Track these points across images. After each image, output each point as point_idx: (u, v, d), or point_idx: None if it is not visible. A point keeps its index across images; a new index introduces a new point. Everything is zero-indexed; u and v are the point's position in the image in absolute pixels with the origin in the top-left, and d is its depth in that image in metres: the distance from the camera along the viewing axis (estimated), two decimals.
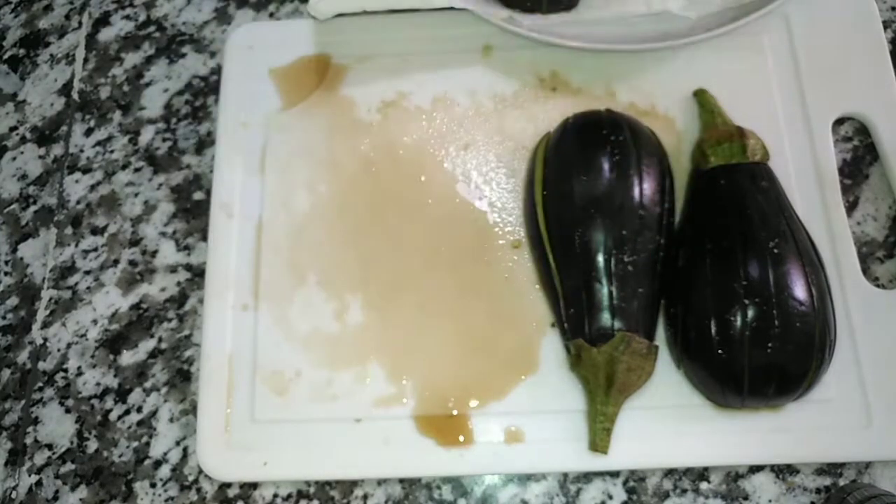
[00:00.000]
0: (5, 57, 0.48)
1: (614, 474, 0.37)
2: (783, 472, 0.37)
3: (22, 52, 0.48)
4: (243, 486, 0.38)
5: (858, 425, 0.36)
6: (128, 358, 0.40)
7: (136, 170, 0.44)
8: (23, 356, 0.41)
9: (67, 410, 0.39)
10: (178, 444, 0.39)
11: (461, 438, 0.36)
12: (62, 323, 0.41)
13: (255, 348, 0.38)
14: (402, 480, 0.37)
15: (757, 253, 0.34)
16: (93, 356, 0.40)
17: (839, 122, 0.42)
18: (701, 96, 0.41)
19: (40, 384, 0.40)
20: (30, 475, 0.39)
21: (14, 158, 0.45)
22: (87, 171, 0.44)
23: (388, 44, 0.44)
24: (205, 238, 0.42)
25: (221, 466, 0.37)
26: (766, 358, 0.33)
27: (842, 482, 0.36)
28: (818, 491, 0.36)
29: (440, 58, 0.44)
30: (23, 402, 0.40)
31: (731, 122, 0.40)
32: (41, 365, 0.40)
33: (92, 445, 0.39)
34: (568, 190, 0.36)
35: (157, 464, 0.38)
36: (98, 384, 0.40)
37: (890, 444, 0.36)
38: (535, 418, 0.37)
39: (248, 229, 0.41)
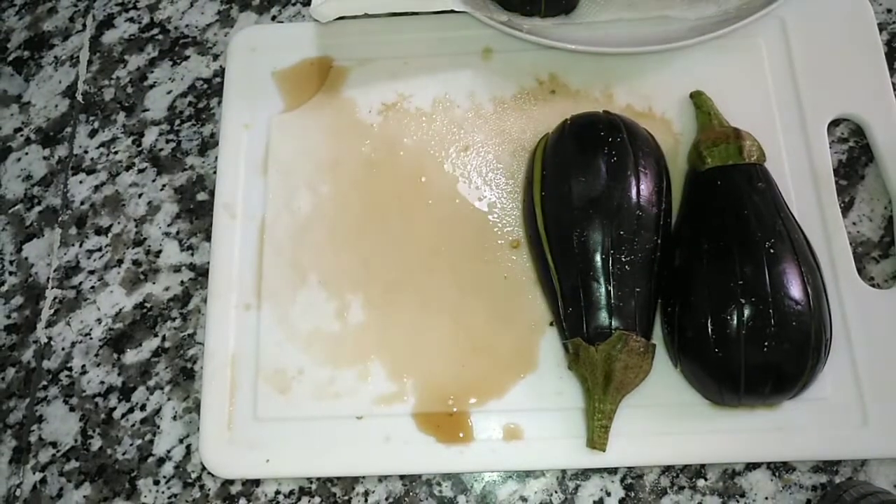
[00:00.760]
0: (10, 59, 0.48)
1: (612, 471, 0.37)
2: (779, 469, 0.37)
3: (26, 54, 0.48)
4: (246, 483, 0.38)
5: (854, 423, 0.36)
6: (131, 357, 0.41)
7: (140, 171, 0.44)
8: (27, 355, 0.41)
9: (71, 409, 0.40)
10: (181, 441, 0.39)
11: (461, 436, 0.37)
12: (66, 322, 0.41)
13: (257, 347, 0.39)
14: (402, 477, 0.38)
15: (753, 253, 0.35)
16: (97, 355, 0.41)
17: (835, 123, 0.43)
18: (698, 98, 0.41)
19: (45, 383, 0.40)
20: (34, 473, 0.39)
21: (19, 159, 0.46)
22: (91, 171, 0.45)
23: (390, 46, 0.45)
24: (208, 238, 0.42)
25: (224, 464, 0.37)
26: (763, 357, 0.33)
27: (837, 480, 0.37)
28: (814, 488, 0.37)
29: (440, 60, 0.44)
30: (27, 400, 0.40)
31: (728, 123, 0.40)
32: (46, 363, 0.41)
33: (96, 443, 0.39)
34: (566, 190, 0.36)
35: (161, 461, 0.39)
36: (102, 382, 0.40)
37: (885, 442, 0.36)
38: (534, 416, 0.37)
39: (251, 229, 0.41)
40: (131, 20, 0.48)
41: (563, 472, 0.37)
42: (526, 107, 0.43)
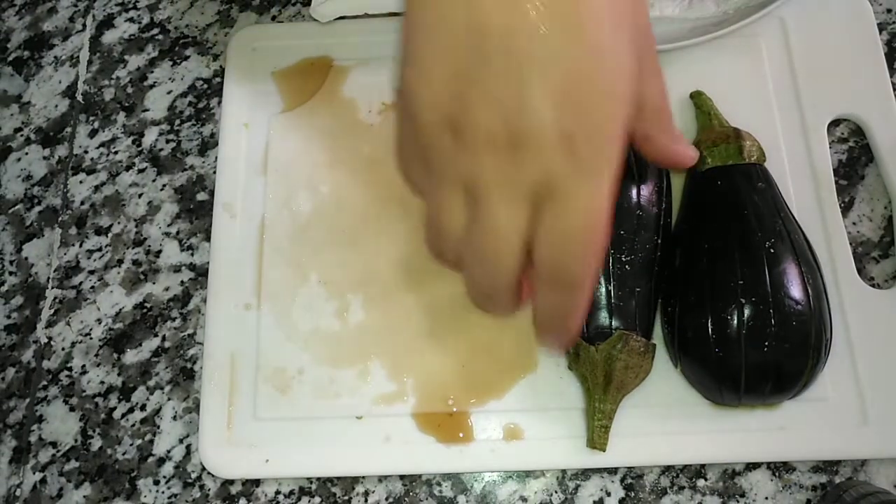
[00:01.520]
0: (10, 59, 0.48)
1: (612, 471, 0.37)
2: (779, 469, 0.37)
3: (26, 54, 0.48)
4: (246, 482, 0.38)
5: (854, 423, 0.36)
6: (131, 357, 0.41)
7: (140, 171, 0.44)
8: (27, 355, 0.41)
9: (71, 408, 0.40)
10: (181, 441, 0.39)
11: (461, 436, 0.37)
12: (66, 322, 0.41)
13: (257, 347, 0.39)
14: (402, 477, 0.38)
15: (753, 253, 0.35)
16: (97, 355, 0.41)
17: (835, 123, 0.43)
18: (697, 98, 0.41)
19: (45, 383, 0.40)
20: (34, 473, 0.39)
21: (19, 159, 0.46)
22: (91, 171, 0.45)
23: (389, 46, 0.44)
24: (208, 238, 0.42)
25: (224, 464, 0.37)
26: (763, 357, 0.33)
27: (837, 480, 0.37)
28: (814, 488, 0.37)
29: None
30: (27, 400, 0.40)
31: (728, 123, 0.40)
32: (45, 364, 0.41)
33: (96, 443, 0.39)
34: None
35: (161, 461, 0.39)
36: (102, 382, 0.40)
37: (885, 442, 0.36)
38: (534, 416, 0.37)
39: (251, 229, 0.41)
40: (131, 20, 0.48)
41: (563, 472, 0.37)
42: None
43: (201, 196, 0.44)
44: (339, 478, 0.38)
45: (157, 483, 0.38)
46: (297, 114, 0.44)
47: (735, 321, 0.34)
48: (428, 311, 0.39)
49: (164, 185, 0.44)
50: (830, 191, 0.40)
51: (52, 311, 0.42)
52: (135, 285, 0.42)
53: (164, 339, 0.41)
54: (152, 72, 0.47)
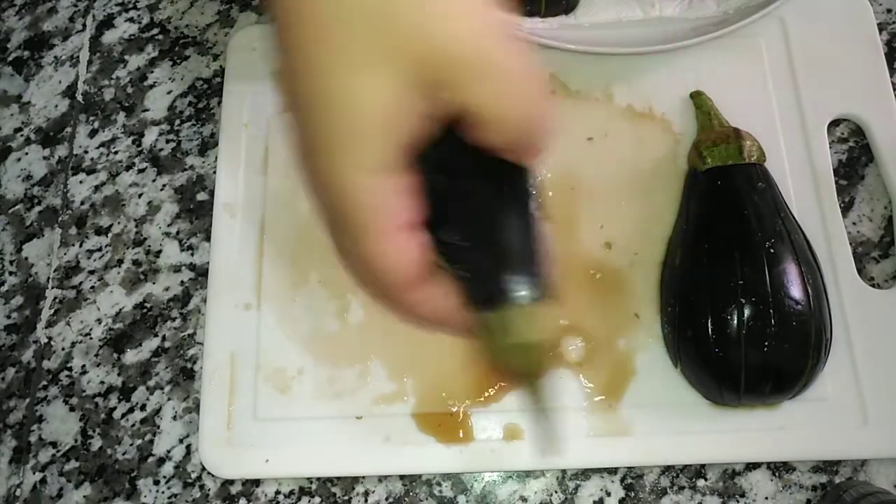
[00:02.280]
0: (10, 59, 0.48)
1: (612, 471, 0.37)
2: (779, 469, 0.37)
3: (26, 54, 0.48)
4: (246, 483, 0.38)
5: (854, 423, 0.36)
6: (131, 357, 0.41)
7: (140, 171, 0.44)
8: (27, 355, 0.41)
9: (71, 409, 0.40)
10: (181, 441, 0.39)
11: (461, 435, 0.37)
12: (66, 322, 0.41)
13: (257, 347, 0.39)
14: (402, 477, 0.38)
15: (753, 253, 0.35)
16: (97, 355, 0.41)
17: (835, 123, 0.43)
18: (698, 98, 0.41)
19: (45, 383, 0.40)
20: (34, 473, 0.39)
21: (19, 159, 0.46)
22: (91, 171, 0.45)
23: None
24: (208, 238, 0.42)
25: (224, 464, 0.37)
26: (763, 356, 0.33)
27: (837, 480, 0.37)
28: (814, 488, 0.37)
29: None
30: (27, 400, 0.40)
31: (728, 123, 0.40)
32: (46, 364, 0.41)
33: (96, 443, 0.39)
34: None
35: (161, 461, 0.39)
36: (102, 382, 0.40)
37: (885, 442, 0.36)
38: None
39: (251, 229, 0.41)
40: (131, 20, 0.48)
41: (563, 471, 0.37)
42: None
43: (201, 196, 0.44)
44: (339, 478, 0.38)
45: (157, 483, 0.38)
46: None
47: (735, 321, 0.34)
48: None
49: (165, 185, 0.44)
50: (830, 191, 0.40)
51: (52, 311, 0.42)
52: (135, 285, 0.42)
53: (164, 339, 0.41)
54: (152, 72, 0.47)
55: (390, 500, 0.37)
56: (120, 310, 0.41)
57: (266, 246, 0.41)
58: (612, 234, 0.40)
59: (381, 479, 0.38)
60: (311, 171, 0.24)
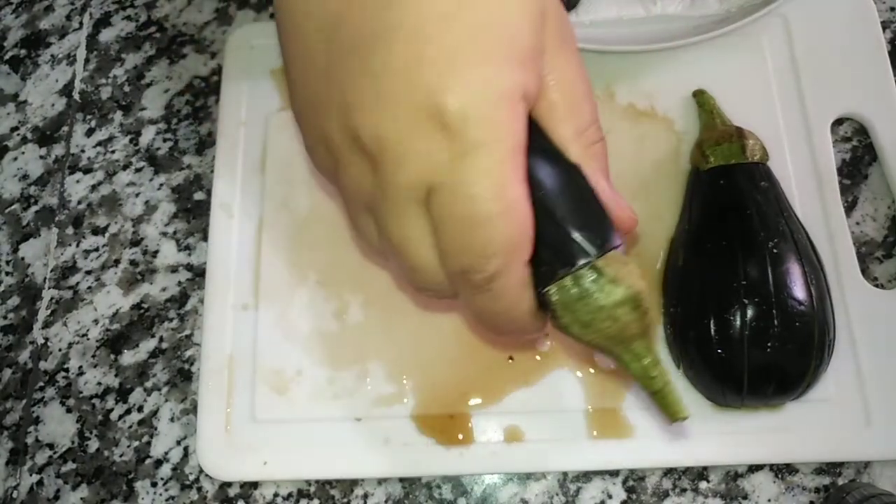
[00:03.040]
0: (6, 57, 0.48)
1: (614, 473, 0.37)
2: (782, 471, 0.37)
3: (23, 52, 0.48)
4: (244, 485, 0.38)
5: (857, 425, 0.36)
6: (129, 357, 0.40)
7: (137, 170, 0.44)
8: (24, 356, 0.41)
9: (68, 410, 0.40)
10: (178, 443, 0.39)
11: (461, 437, 0.36)
12: (63, 323, 0.41)
13: (255, 348, 0.39)
14: (402, 479, 0.37)
15: (756, 253, 0.34)
16: (94, 356, 0.40)
17: (838, 122, 0.42)
18: (700, 97, 0.41)
19: (41, 384, 0.40)
20: (31, 474, 0.39)
21: (15, 159, 0.45)
22: (88, 171, 0.44)
23: None
24: (205, 238, 0.42)
25: (222, 466, 0.37)
26: (766, 357, 0.33)
27: (841, 482, 0.36)
28: (817, 490, 0.36)
29: None
30: (24, 401, 0.40)
31: (731, 122, 0.40)
32: (42, 364, 0.41)
33: (93, 445, 0.39)
34: None
35: (158, 463, 0.38)
36: (99, 384, 0.40)
37: (889, 444, 0.36)
38: (535, 418, 0.37)
39: (249, 229, 0.41)
40: (128, 18, 0.48)
41: (565, 474, 0.37)
42: None
43: (199, 195, 0.43)
44: (337, 480, 0.37)
45: (154, 485, 0.38)
46: None
47: (738, 322, 0.33)
48: (427, 313, 0.39)
49: (162, 185, 0.44)
50: (834, 190, 0.40)
51: (49, 311, 0.41)
52: (132, 286, 0.42)
53: (161, 339, 0.40)
54: (149, 70, 0.46)
55: (390, 502, 0.37)
56: (117, 310, 0.41)
57: (264, 246, 0.40)
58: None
59: (380, 481, 0.37)
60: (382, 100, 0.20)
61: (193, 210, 0.43)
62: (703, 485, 0.37)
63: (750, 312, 0.33)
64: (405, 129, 0.20)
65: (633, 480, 0.37)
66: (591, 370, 0.37)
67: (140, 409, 0.39)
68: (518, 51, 0.20)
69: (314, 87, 0.22)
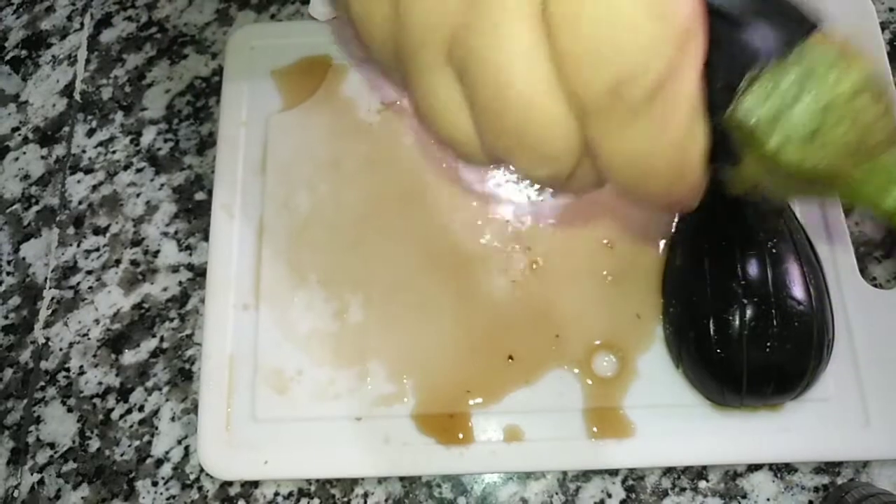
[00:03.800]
0: (7, 58, 0.48)
1: (613, 473, 0.37)
2: (781, 470, 0.37)
3: (24, 53, 0.48)
4: (244, 484, 0.38)
5: (856, 424, 0.36)
6: (129, 357, 0.40)
7: (138, 170, 0.44)
8: (25, 355, 0.41)
9: (69, 409, 0.40)
10: (179, 442, 0.39)
11: (461, 437, 0.36)
12: (64, 322, 0.41)
13: (255, 347, 0.39)
14: (402, 479, 0.37)
15: (755, 253, 0.34)
16: (95, 355, 0.41)
17: None
18: None
19: (42, 383, 0.40)
20: (32, 474, 0.39)
21: (16, 159, 0.45)
22: (89, 171, 0.44)
23: None
24: (206, 238, 0.42)
25: (223, 465, 0.37)
26: (765, 357, 0.33)
27: (840, 481, 0.36)
28: (816, 490, 0.36)
29: None
30: (25, 401, 0.40)
31: None
32: (43, 364, 0.41)
33: (94, 444, 0.39)
34: None
35: (159, 462, 0.38)
36: (100, 383, 0.40)
37: (887, 444, 0.36)
38: (535, 417, 0.37)
39: (249, 229, 0.41)
40: (129, 19, 0.48)
41: (564, 473, 0.37)
42: None
43: (199, 196, 0.43)
44: (338, 479, 0.37)
45: (155, 484, 0.38)
46: (296, 113, 0.43)
47: (737, 322, 0.33)
48: (428, 312, 0.39)
49: (163, 185, 0.44)
50: None
51: (50, 311, 0.42)
52: (133, 285, 0.42)
53: (162, 339, 0.41)
54: (150, 71, 0.47)
55: (390, 501, 0.37)
56: (118, 310, 0.41)
57: (264, 246, 0.41)
58: (613, 234, 0.40)
59: (380, 480, 0.37)
60: None
61: (194, 210, 0.43)
62: (702, 484, 0.37)
63: (749, 312, 0.33)
64: None
65: (632, 480, 0.37)
66: (589, 380, 0.37)
67: (141, 409, 0.39)
68: None
69: None
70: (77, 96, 0.46)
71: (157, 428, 0.39)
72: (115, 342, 0.41)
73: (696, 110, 0.17)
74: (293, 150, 0.42)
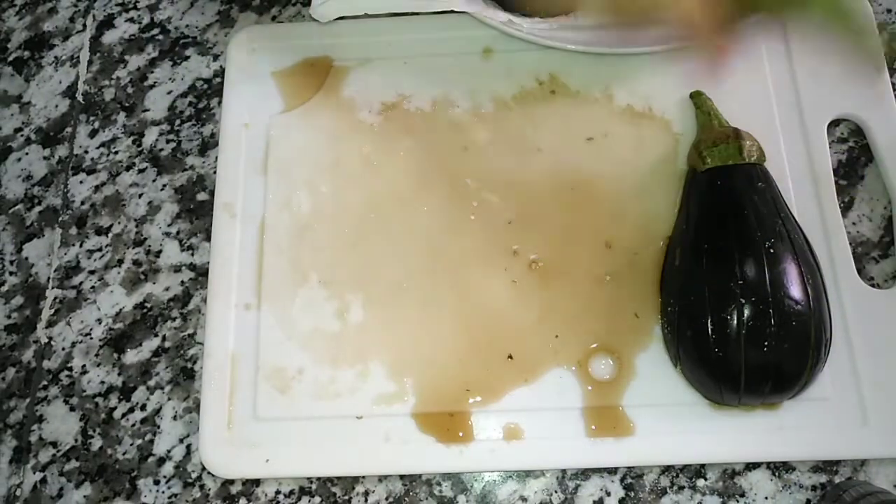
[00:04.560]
0: (10, 59, 0.48)
1: (612, 471, 0.37)
2: (779, 469, 0.37)
3: (26, 54, 0.48)
4: (246, 482, 0.38)
5: (854, 423, 0.36)
6: (132, 356, 0.41)
7: (141, 171, 0.44)
8: (28, 355, 0.41)
9: (72, 408, 0.40)
10: (181, 441, 0.39)
11: (461, 435, 0.37)
12: (67, 322, 0.41)
13: (257, 347, 0.39)
14: (402, 477, 0.38)
15: (753, 253, 0.35)
16: (97, 355, 0.41)
17: (834, 123, 0.43)
18: (697, 98, 0.41)
19: (45, 382, 0.40)
20: (34, 473, 0.39)
21: (19, 159, 0.46)
22: (91, 172, 0.45)
23: (389, 46, 0.45)
24: (208, 238, 0.42)
25: (224, 463, 0.37)
26: (763, 357, 0.33)
27: (837, 480, 0.37)
28: (814, 488, 0.37)
29: (440, 60, 0.44)
30: (28, 400, 0.40)
31: (728, 123, 0.40)
32: (46, 363, 0.41)
33: (96, 443, 0.39)
34: None
35: (161, 461, 0.39)
36: (102, 382, 0.40)
37: (885, 442, 0.36)
38: (534, 416, 0.37)
39: (251, 229, 0.41)
40: (131, 20, 0.48)
41: (563, 471, 0.37)
42: (526, 107, 0.43)
43: (201, 196, 0.44)
44: (339, 477, 0.38)
45: (157, 483, 0.38)
46: (298, 114, 0.44)
47: (735, 321, 0.34)
48: (428, 311, 0.39)
49: (165, 185, 0.44)
50: (830, 191, 0.40)
51: (53, 311, 0.42)
52: (135, 285, 0.42)
53: (164, 338, 0.41)
54: (152, 72, 0.47)
55: (390, 499, 0.37)
56: (120, 310, 0.42)
57: (266, 246, 0.41)
58: (612, 234, 0.40)
59: (381, 478, 0.38)
60: None
61: (196, 210, 0.43)
62: (700, 482, 0.37)
63: (747, 312, 0.33)
64: None
65: (631, 478, 0.37)
66: (588, 380, 0.37)
67: (143, 408, 0.40)
68: None
69: None
70: (79, 97, 0.47)
71: (158, 427, 0.39)
72: (118, 341, 0.41)
73: None
74: (294, 150, 0.43)
